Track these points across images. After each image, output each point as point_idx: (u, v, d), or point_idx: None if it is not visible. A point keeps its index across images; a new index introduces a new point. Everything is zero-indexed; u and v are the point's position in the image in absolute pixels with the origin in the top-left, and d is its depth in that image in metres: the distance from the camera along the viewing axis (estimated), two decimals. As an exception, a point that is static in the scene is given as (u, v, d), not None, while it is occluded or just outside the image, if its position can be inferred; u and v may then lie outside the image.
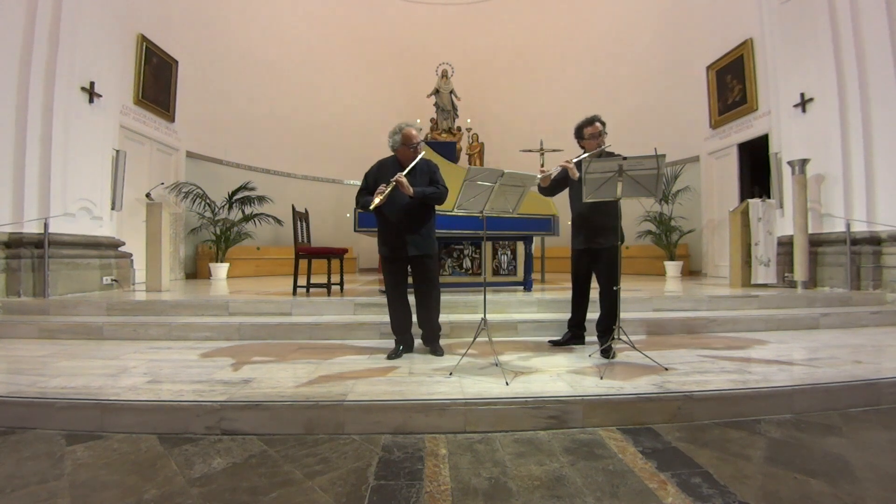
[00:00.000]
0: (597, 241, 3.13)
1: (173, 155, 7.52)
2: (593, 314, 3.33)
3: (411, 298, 3.16)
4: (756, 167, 7.20)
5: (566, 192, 3.37)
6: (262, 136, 9.25)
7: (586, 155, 3.06)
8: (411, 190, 2.88)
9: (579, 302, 3.38)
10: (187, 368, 2.73)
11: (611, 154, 3.11)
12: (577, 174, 3.10)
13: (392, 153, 3.13)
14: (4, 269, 4.35)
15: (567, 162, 3.16)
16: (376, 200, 2.80)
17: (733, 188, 7.44)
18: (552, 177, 3.24)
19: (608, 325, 3.11)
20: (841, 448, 1.88)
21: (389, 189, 2.82)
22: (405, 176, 2.87)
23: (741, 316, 4.06)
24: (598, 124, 3.18)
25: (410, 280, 3.13)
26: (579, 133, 3.25)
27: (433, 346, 3.09)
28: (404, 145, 3.00)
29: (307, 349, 3.27)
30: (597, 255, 3.16)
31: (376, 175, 3.07)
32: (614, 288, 2.94)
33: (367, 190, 3.07)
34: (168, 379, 2.50)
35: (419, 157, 2.99)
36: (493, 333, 3.16)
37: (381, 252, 3.08)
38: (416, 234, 2.99)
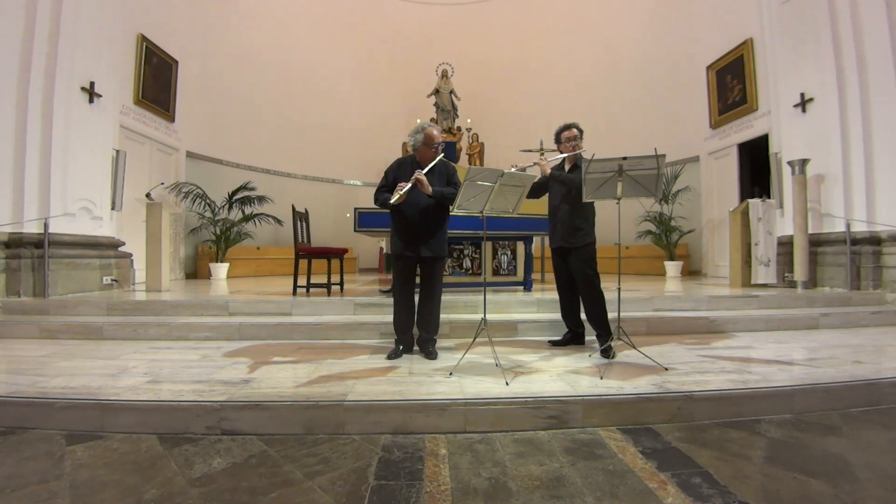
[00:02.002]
0: (568, 240, 3.20)
1: (173, 155, 7.52)
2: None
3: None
4: (756, 167, 7.20)
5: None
6: (262, 136, 9.26)
7: (589, 161, 3.06)
8: (430, 189, 2.90)
9: (565, 299, 3.42)
10: (187, 368, 2.73)
11: (588, 159, 3.17)
12: (549, 170, 3.28)
13: (409, 152, 3.16)
14: (4, 269, 4.35)
15: (541, 159, 3.34)
16: (395, 197, 2.82)
17: (733, 188, 7.44)
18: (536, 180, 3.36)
19: (600, 325, 3.14)
20: (841, 448, 1.88)
21: (409, 187, 2.83)
22: (425, 175, 2.88)
23: (741, 316, 4.06)
24: (574, 130, 3.29)
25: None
26: (557, 137, 3.37)
27: (427, 349, 3.08)
28: (425, 145, 3.00)
29: (307, 349, 3.27)
30: (568, 255, 3.23)
31: (396, 173, 3.07)
32: (616, 287, 2.95)
33: (385, 188, 3.07)
34: (168, 379, 2.50)
35: (439, 157, 3.00)
36: (493, 333, 3.16)
37: (395, 249, 3.07)
38: (432, 235, 3.01)
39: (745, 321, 3.96)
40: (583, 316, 3.37)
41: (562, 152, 3.33)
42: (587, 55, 10.08)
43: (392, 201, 2.84)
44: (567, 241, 3.20)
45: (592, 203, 3.12)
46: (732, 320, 3.96)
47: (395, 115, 11.18)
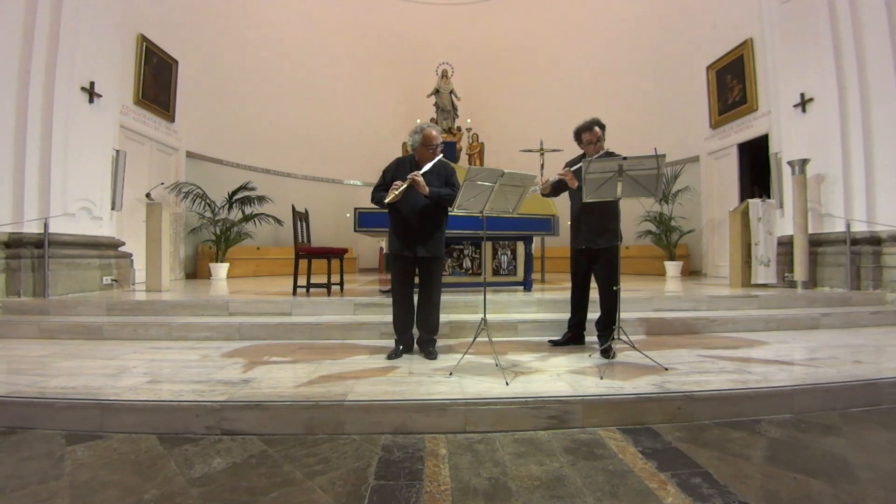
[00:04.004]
0: (596, 241, 3.14)
1: (173, 155, 7.52)
2: (593, 314, 3.34)
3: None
4: (756, 167, 7.20)
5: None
6: (262, 136, 9.25)
7: (589, 160, 3.03)
8: (427, 189, 2.89)
9: (578, 301, 3.38)
10: (187, 368, 2.73)
11: (611, 154, 3.11)
12: (577, 183, 3.12)
13: (409, 151, 3.16)
14: (4, 269, 4.35)
15: (565, 172, 3.19)
16: (390, 196, 2.83)
17: (733, 188, 7.45)
18: (551, 183, 3.29)
19: (608, 326, 3.12)
20: (841, 448, 1.88)
21: (405, 187, 2.83)
22: (422, 176, 2.88)
23: (741, 316, 4.06)
24: (597, 129, 3.16)
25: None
26: (578, 137, 3.27)
27: (427, 349, 3.08)
28: (423, 146, 2.99)
29: (307, 349, 3.27)
30: (595, 256, 3.18)
31: (394, 172, 3.08)
32: (614, 288, 2.95)
33: (383, 186, 3.07)
34: (168, 379, 2.50)
35: (437, 158, 2.99)
36: (493, 333, 3.15)
37: (392, 249, 3.07)
38: (429, 236, 3.01)
39: (745, 321, 3.96)
40: (590, 316, 3.36)
41: (585, 153, 3.24)
42: (587, 55, 10.08)
43: (387, 200, 2.85)
44: (595, 242, 3.14)
45: (617, 202, 2.99)
46: (732, 320, 3.96)
47: (395, 114, 11.17)
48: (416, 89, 10.63)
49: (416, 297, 3.16)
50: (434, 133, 2.99)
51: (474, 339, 2.89)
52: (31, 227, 4.47)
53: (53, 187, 4.58)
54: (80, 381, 2.46)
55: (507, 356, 3.02)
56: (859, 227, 4.97)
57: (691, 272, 8.45)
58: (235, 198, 7.72)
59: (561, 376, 2.55)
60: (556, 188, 3.34)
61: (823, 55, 5.21)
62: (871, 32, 4.92)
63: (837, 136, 5.10)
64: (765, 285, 5.45)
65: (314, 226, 6.09)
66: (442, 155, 3.04)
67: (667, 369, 2.65)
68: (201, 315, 4.04)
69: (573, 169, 3.18)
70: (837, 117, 5.10)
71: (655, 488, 1.57)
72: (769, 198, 5.80)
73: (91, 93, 4.98)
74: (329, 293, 4.79)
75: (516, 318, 3.87)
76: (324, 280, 4.89)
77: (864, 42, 4.98)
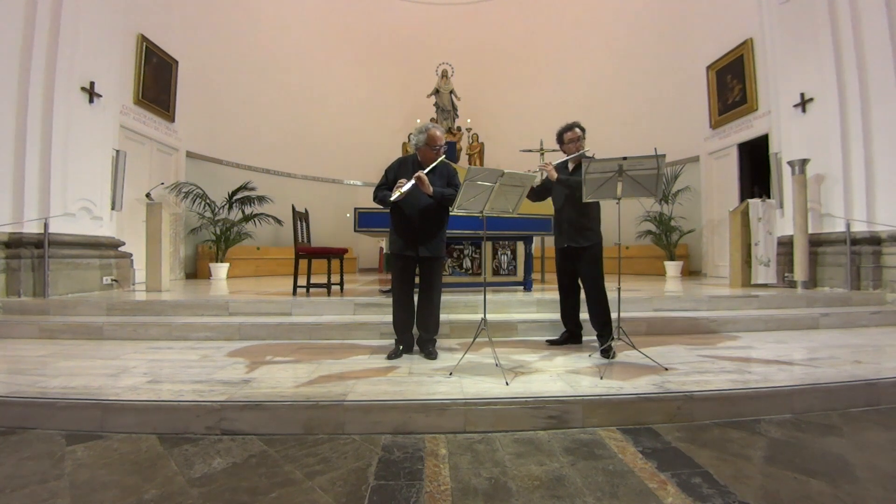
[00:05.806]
0: (577, 240, 3.19)
1: (173, 155, 7.52)
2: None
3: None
4: (756, 167, 7.20)
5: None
6: (262, 136, 9.26)
7: (590, 161, 3.05)
8: (431, 189, 2.90)
9: (566, 299, 3.41)
10: (187, 368, 2.73)
11: (590, 158, 3.15)
12: (556, 175, 3.25)
13: (409, 151, 3.17)
14: (4, 269, 4.35)
15: (547, 164, 3.30)
16: (396, 195, 2.82)
17: (733, 188, 7.45)
18: (534, 190, 3.37)
19: (605, 325, 3.13)
20: (841, 448, 1.88)
21: (410, 185, 2.83)
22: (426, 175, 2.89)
23: (741, 316, 4.06)
24: (577, 130, 3.27)
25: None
26: (560, 138, 3.35)
27: (427, 349, 3.08)
28: (427, 146, 3.00)
29: (307, 349, 3.27)
30: (578, 255, 3.21)
31: (396, 171, 3.08)
32: (616, 287, 2.95)
33: (385, 185, 3.08)
34: (168, 379, 2.50)
35: (440, 158, 3.00)
36: (493, 333, 3.16)
37: (393, 249, 3.06)
38: (431, 235, 3.01)
39: (745, 321, 3.96)
40: (583, 316, 3.37)
41: (565, 153, 3.31)
42: (587, 55, 10.08)
43: (392, 198, 2.84)
44: (576, 241, 3.18)
45: (598, 202, 3.10)
46: (732, 320, 3.96)
47: (395, 114, 11.18)
48: (416, 89, 10.63)
49: (416, 297, 3.16)
50: (438, 134, 3.00)
51: (474, 339, 2.90)
52: (32, 227, 4.46)
53: (53, 187, 4.58)
54: (80, 381, 2.46)
55: (507, 356, 3.02)
56: (859, 227, 4.97)
57: (691, 272, 8.45)
58: (235, 198, 7.72)
59: (561, 376, 2.55)
60: (540, 192, 3.42)
61: (823, 55, 5.22)
62: (871, 32, 4.92)
63: (837, 136, 5.11)
64: (765, 285, 5.45)
65: (314, 226, 6.10)
66: (445, 156, 3.04)
67: (667, 369, 2.65)
68: (201, 315, 4.04)
69: (556, 164, 3.30)
70: (837, 117, 5.10)
71: (655, 488, 1.57)
72: (769, 198, 5.80)
73: (91, 93, 4.98)
74: (329, 293, 4.79)
75: (516, 318, 3.87)
76: (324, 280, 4.89)
77: (863, 42, 4.98)
